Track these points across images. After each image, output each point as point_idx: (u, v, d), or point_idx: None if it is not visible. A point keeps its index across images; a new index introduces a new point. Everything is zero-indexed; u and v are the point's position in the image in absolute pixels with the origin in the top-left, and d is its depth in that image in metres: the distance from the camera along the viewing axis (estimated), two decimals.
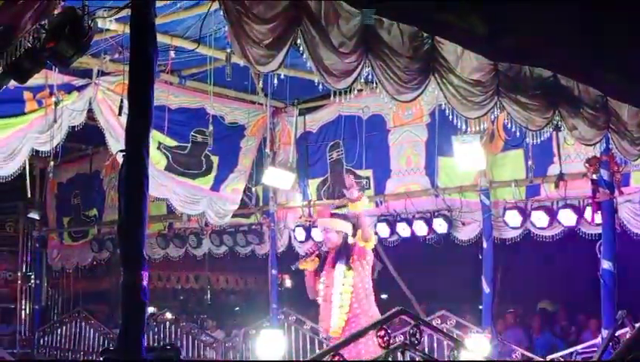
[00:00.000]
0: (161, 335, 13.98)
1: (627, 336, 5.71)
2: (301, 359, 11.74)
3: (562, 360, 10.03)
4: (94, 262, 15.99)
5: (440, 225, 11.11)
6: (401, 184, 11.72)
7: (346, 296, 7.32)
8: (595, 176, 7.36)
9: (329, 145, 12.49)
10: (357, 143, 11.99)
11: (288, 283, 13.11)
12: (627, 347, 3.15)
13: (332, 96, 6.00)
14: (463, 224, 11.10)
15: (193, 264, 17.75)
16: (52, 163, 10.68)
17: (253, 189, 13.11)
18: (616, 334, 6.75)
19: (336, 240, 7.58)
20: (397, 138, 11.74)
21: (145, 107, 3.80)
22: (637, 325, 6.40)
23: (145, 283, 3.67)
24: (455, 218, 11.14)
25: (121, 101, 7.18)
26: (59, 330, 15.94)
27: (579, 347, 10.03)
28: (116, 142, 9.86)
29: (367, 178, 12.07)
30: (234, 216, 12.80)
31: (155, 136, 10.87)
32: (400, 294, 14.17)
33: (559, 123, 6.80)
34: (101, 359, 4.04)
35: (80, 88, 9.97)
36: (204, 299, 21.39)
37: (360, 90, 7.69)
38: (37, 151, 10.19)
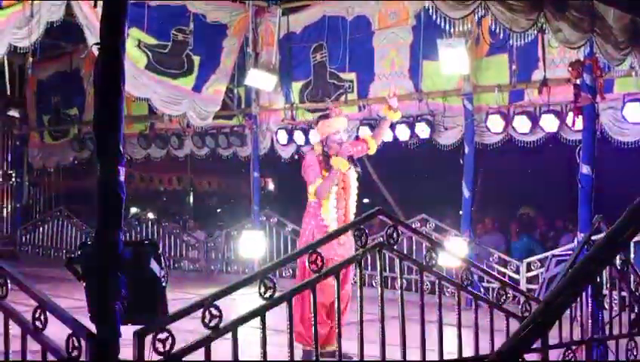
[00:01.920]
0: (143, 235, 14.11)
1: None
2: None
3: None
4: (75, 162, 15.97)
5: (422, 130, 11.12)
6: (385, 88, 11.62)
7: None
8: (577, 81, 7.33)
9: (312, 46, 12.33)
10: (341, 45, 11.85)
11: (271, 185, 13.12)
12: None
13: None
14: (446, 129, 11.12)
15: (175, 165, 17.79)
16: (31, 59, 10.53)
17: (235, 90, 13.01)
18: (591, 238, 6.85)
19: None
20: (381, 40, 11.60)
21: None
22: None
23: (122, 178, 3.64)
24: (438, 122, 11.15)
25: None
26: (41, 228, 16.08)
27: (555, 251, 10.21)
28: (95, 38, 9.68)
29: (351, 81, 11.99)
30: (216, 117, 12.74)
31: (134, 34, 10.71)
32: (381, 199, 14.31)
33: (544, 25, 6.72)
34: (79, 253, 4.04)
35: None
36: (187, 200, 21.55)
37: None
38: (15, 48, 10.01)
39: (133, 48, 10.79)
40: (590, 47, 7.21)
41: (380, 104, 11.45)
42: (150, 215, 15.21)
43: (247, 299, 4.56)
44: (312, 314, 4.50)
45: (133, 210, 17.78)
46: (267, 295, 4.11)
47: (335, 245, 6.40)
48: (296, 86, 12.60)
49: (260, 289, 4.10)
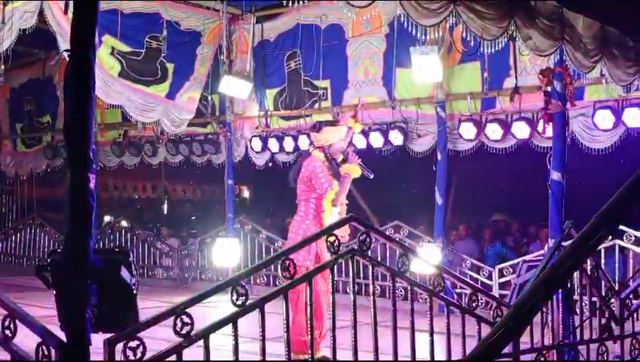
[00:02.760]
0: (117, 243, 14.02)
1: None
2: None
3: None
4: (48, 169, 15.85)
5: (396, 137, 11.18)
6: (358, 95, 11.67)
7: None
8: (548, 88, 7.41)
9: (286, 54, 12.37)
10: (315, 53, 11.89)
11: (245, 193, 13.11)
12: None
13: (285, 1, 5.89)
14: (419, 136, 11.19)
15: (149, 173, 17.70)
16: (2, 66, 10.42)
17: (210, 98, 12.98)
18: (562, 244, 6.91)
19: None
20: (355, 48, 11.66)
21: (90, 4, 3.69)
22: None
23: (92, 185, 3.63)
24: (411, 130, 11.21)
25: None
26: (13, 237, 15.93)
27: (527, 257, 10.29)
28: (67, 45, 9.59)
29: (325, 88, 12.03)
30: (190, 124, 12.71)
31: (108, 41, 10.67)
32: (355, 206, 14.34)
33: (514, 33, 6.79)
34: (48, 261, 4.02)
35: None
36: (161, 208, 21.45)
37: None
38: None
39: (106, 55, 10.76)
40: (560, 54, 7.29)
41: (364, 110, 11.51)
42: (124, 223, 15.09)
43: (221, 306, 4.55)
44: (285, 321, 4.51)
45: (107, 218, 17.67)
46: (239, 302, 4.10)
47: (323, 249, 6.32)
48: (271, 93, 12.61)
49: (232, 296, 4.10)
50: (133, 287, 3.80)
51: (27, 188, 17.18)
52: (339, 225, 5.26)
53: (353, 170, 6.99)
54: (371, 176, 7.22)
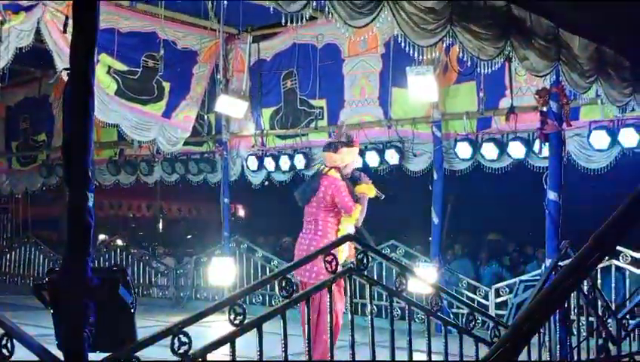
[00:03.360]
0: (112, 262, 13.99)
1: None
2: None
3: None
4: (44, 188, 15.83)
5: (392, 157, 11.19)
6: (355, 114, 11.74)
7: None
8: (544, 108, 7.44)
9: (283, 73, 12.41)
10: (311, 72, 11.95)
11: (241, 212, 13.11)
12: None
13: (283, 20, 5.92)
14: (415, 155, 11.20)
15: (145, 192, 17.71)
16: None
17: (206, 117, 13.01)
18: (559, 264, 6.92)
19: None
20: (351, 68, 11.72)
21: (89, 23, 3.69)
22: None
23: (90, 203, 3.62)
24: (407, 149, 11.24)
25: (66, 18, 6.99)
26: (8, 255, 15.86)
27: (523, 277, 10.29)
28: (64, 63, 9.63)
29: (321, 108, 12.06)
30: (186, 143, 12.73)
31: (105, 60, 10.70)
32: None
33: (510, 53, 6.82)
34: (46, 279, 3.99)
35: (28, 9, 9.68)
36: (157, 227, 21.42)
37: (314, 18, 7.63)
38: None
39: (103, 74, 10.79)
40: (556, 75, 7.33)
41: (350, 131, 11.50)
42: (119, 241, 15.07)
43: (217, 326, 4.53)
44: (283, 339, 4.49)
45: (102, 236, 17.63)
46: (237, 321, 4.09)
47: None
48: (267, 112, 12.64)
49: (229, 315, 4.08)
50: (132, 306, 3.77)
51: (22, 206, 17.17)
52: (337, 244, 5.25)
53: (369, 190, 7.06)
54: (383, 198, 7.24)
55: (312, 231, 6.99)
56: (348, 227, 6.99)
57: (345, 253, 6.64)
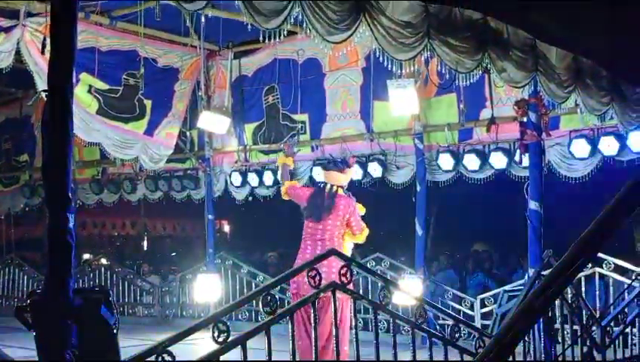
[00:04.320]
0: (96, 281, 13.91)
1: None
2: None
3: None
4: (26, 208, 15.73)
5: (375, 170, 11.22)
6: (337, 128, 11.77)
7: None
8: (524, 119, 7.49)
9: (264, 89, 12.42)
10: (292, 87, 11.97)
11: (226, 227, 13.08)
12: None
13: (262, 37, 5.94)
14: (398, 168, 11.23)
15: (128, 210, 17.66)
16: None
17: (188, 134, 13.00)
18: (542, 273, 6.95)
19: None
20: (332, 82, 11.75)
21: (67, 43, 3.70)
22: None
23: (71, 224, 3.61)
24: (390, 162, 11.27)
25: (44, 39, 6.98)
26: None
27: (507, 287, 10.31)
28: (45, 84, 9.60)
29: (303, 122, 12.08)
30: (169, 160, 12.71)
31: (86, 79, 10.69)
32: None
33: (488, 65, 6.87)
34: (28, 302, 3.98)
35: (7, 30, 9.68)
36: (141, 245, 21.33)
37: (294, 33, 7.66)
38: None
39: (84, 93, 10.77)
40: (534, 85, 7.38)
41: (333, 145, 11.56)
42: (103, 261, 14.99)
43: (202, 343, 4.52)
44: (267, 356, 4.48)
45: (86, 255, 17.54)
46: (221, 339, 4.08)
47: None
48: (249, 128, 12.65)
49: (213, 333, 4.08)
50: (114, 326, 3.76)
51: (5, 227, 17.05)
52: (320, 259, 5.26)
53: (361, 208, 7.37)
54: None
55: (323, 247, 6.94)
56: (349, 244, 7.24)
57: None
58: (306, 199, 7.26)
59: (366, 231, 7.20)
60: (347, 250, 7.10)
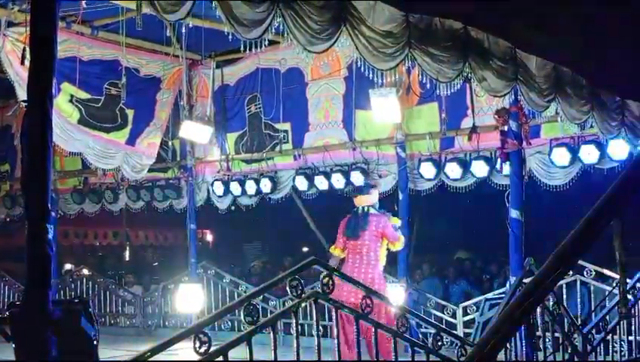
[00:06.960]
0: (78, 292, 13.82)
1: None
2: None
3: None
4: (7, 219, 15.60)
5: (357, 178, 11.21)
6: (320, 137, 11.79)
7: None
8: (505, 128, 7.54)
9: (247, 98, 12.42)
10: (275, 96, 11.97)
11: (209, 237, 13.04)
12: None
13: (242, 47, 5.94)
14: (380, 176, 11.24)
15: (110, 220, 17.54)
16: None
17: (170, 143, 12.97)
18: (523, 281, 6.98)
19: None
20: (315, 91, 11.77)
21: (47, 55, 3.69)
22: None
23: (50, 235, 3.60)
24: (372, 170, 11.28)
25: (24, 50, 6.95)
26: None
27: (489, 294, 10.34)
28: (26, 94, 9.56)
29: (286, 131, 12.08)
30: (151, 170, 12.67)
31: (67, 89, 10.65)
32: (320, 247, 14.32)
33: (469, 74, 6.91)
34: (7, 313, 3.96)
35: None
36: (123, 255, 21.20)
37: (277, 43, 7.67)
38: None
39: (65, 103, 10.72)
40: (515, 94, 7.42)
41: (315, 153, 11.57)
42: (85, 271, 14.89)
43: (186, 353, 4.50)
44: None
45: (68, 266, 17.40)
46: (202, 350, 4.06)
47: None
48: (232, 137, 12.64)
49: (195, 344, 4.06)
50: (94, 338, 3.75)
51: None
52: (301, 268, 5.25)
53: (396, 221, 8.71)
54: None
55: (364, 261, 8.21)
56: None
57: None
58: (345, 227, 8.44)
59: (402, 239, 8.50)
60: (383, 258, 8.38)
